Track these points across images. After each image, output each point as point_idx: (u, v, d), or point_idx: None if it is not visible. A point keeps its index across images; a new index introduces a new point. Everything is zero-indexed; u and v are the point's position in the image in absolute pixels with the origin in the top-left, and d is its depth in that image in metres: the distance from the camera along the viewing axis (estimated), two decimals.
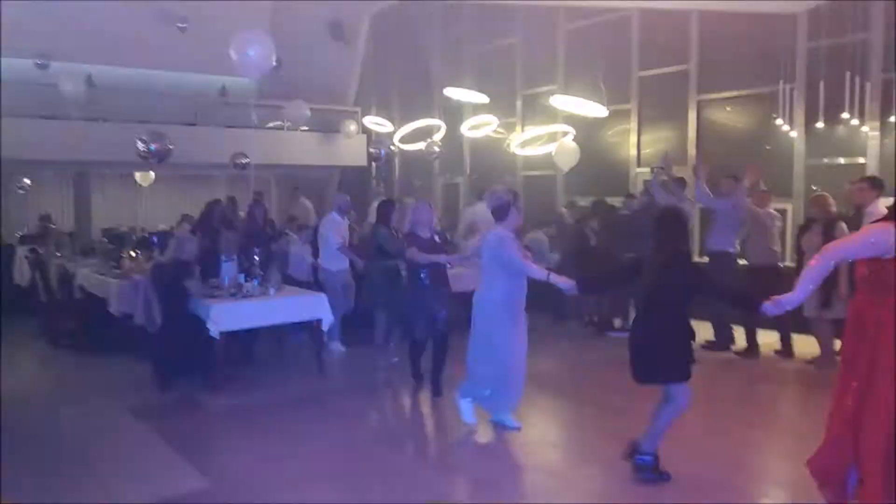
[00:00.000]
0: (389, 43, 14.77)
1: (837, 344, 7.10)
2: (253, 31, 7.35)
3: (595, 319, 8.92)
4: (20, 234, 11.93)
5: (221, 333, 6.07)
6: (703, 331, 7.84)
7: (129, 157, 10.61)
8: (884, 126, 7.99)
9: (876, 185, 6.57)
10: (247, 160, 12.02)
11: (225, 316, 6.11)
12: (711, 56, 9.69)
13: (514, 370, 5.01)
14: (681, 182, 8.13)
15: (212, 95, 14.21)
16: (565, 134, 10.70)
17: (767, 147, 8.96)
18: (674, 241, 4.09)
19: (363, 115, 14.66)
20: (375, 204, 10.42)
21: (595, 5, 10.79)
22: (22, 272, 9.65)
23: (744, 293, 4.71)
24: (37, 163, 12.28)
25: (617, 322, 8.77)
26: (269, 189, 15.89)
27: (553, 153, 10.62)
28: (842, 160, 8.43)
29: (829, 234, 6.69)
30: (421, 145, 12.95)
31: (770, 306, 3.60)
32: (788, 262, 8.08)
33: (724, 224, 7.54)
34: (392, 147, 13.82)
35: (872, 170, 7.89)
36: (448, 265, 6.16)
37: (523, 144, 11.39)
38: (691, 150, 9.85)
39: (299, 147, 14.06)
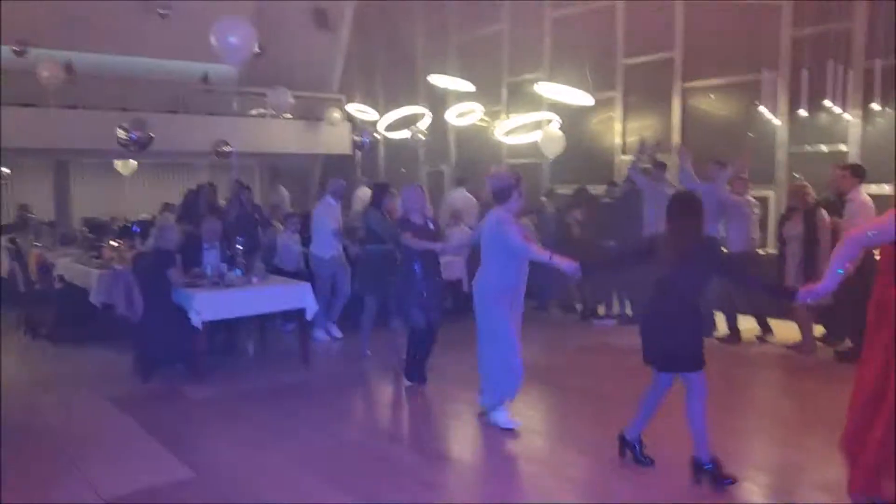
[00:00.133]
0: (374, 30, 14.66)
1: (818, 330, 7.19)
2: (234, 17, 7.27)
3: (577, 307, 8.94)
4: None
5: (204, 323, 6.03)
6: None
7: (110, 145, 10.50)
8: (865, 114, 8.03)
9: (857, 173, 6.61)
10: (229, 148, 11.91)
11: (207, 305, 6.06)
12: (696, 44, 9.70)
13: (512, 358, 4.85)
14: (661, 166, 8.16)
15: (194, 83, 14.06)
16: (550, 122, 10.69)
17: (751, 134, 9.00)
18: (696, 227, 3.97)
19: (347, 103, 14.56)
20: (358, 192, 10.40)
21: None
22: (1, 262, 9.54)
23: (776, 282, 4.71)
24: (15, 151, 12.10)
25: (601, 309, 8.81)
26: (253, 177, 15.79)
27: (538, 141, 10.61)
28: (824, 148, 8.47)
29: (809, 223, 6.75)
30: (406, 133, 12.90)
31: (804, 293, 3.67)
32: (770, 249, 8.14)
33: (707, 209, 7.55)
34: (376, 135, 13.74)
35: (854, 157, 7.94)
36: (441, 253, 5.98)
37: (508, 132, 11.35)
38: (675, 138, 9.86)
39: (283, 135, 13.97)
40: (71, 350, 7.36)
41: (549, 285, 8.66)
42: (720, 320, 7.54)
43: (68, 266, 8.00)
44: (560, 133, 10.51)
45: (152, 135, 10.23)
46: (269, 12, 13.04)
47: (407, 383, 5.95)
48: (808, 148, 8.61)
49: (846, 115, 8.08)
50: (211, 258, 6.82)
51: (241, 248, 6.89)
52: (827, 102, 7.98)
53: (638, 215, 8.03)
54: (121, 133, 10.15)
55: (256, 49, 7.44)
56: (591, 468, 4.40)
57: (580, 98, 9.85)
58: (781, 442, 4.74)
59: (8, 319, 8.57)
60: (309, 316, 6.66)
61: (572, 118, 10.74)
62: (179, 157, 14.45)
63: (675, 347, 3.95)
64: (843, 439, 3.56)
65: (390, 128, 13.10)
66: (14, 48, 12.43)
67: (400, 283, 5.82)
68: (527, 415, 5.22)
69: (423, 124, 12.81)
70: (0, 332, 8.06)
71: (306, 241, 7.96)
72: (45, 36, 12.31)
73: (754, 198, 7.77)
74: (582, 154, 10.90)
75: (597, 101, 10.24)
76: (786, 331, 7.35)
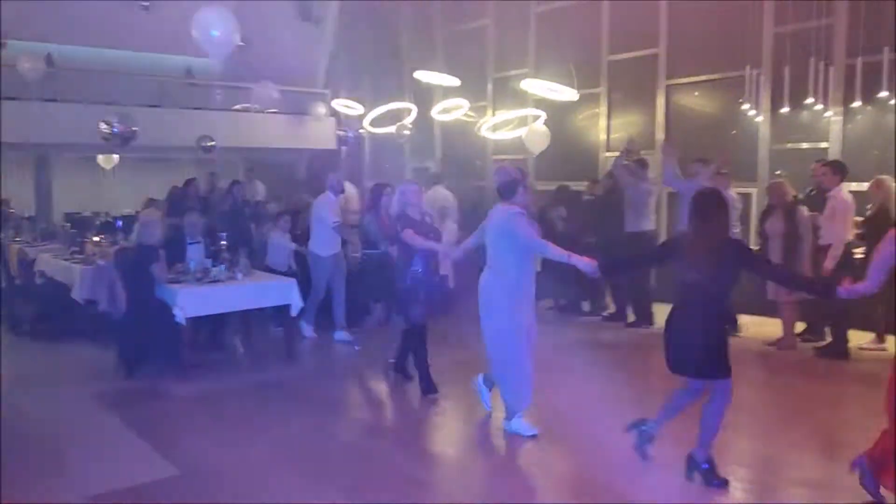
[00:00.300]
0: (359, 24, 14.59)
1: (799, 326, 7.27)
2: (215, 9, 7.19)
3: (562, 303, 8.98)
4: None
5: (188, 319, 5.99)
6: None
7: (92, 139, 10.37)
8: (847, 111, 8.11)
9: (839, 170, 6.69)
10: (213, 143, 11.82)
11: (191, 301, 6.03)
12: (680, 41, 9.74)
13: (523, 363, 4.69)
14: (643, 164, 8.23)
15: (177, 76, 13.93)
16: (536, 118, 10.71)
17: (733, 131, 9.06)
18: (722, 226, 3.87)
19: (333, 98, 14.49)
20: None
21: None
22: None
23: (815, 279, 4.65)
24: None
25: (585, 306, 8.86)
26: (237, 172, 15.66)
27: (523, 137, 10.63)
28: (805, 144, 8.55)
29: (790, 220, 6.82)
30: (391, 129, 12.86)
31: (845, 291, 3.65)
32: (752, 245, 8.19)
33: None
34: (361, 130, 13.69)
35: (835, 154, 8.03)
36: (446, 256, 5.67)
37: (494, 128, 11.36)
38: (660, 134, 9.91)
39: (267, 130, 13.87)
40: (53, 346, 7.29)
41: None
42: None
43: (50, 261, 7.93)
44: (545, 129, 10.52)
45: (135, 129, 10.12)
46: (253, 6, 12.92)
47: (432, 396, 5.65)
48: (789, 145, 8.69)
49: (828, 112, 8.16)
50: (195, 253, 6.78)
51: (224, 243, 6.85)
52: (809, 99, 8.06)
53: (619, 212, 8.10)
54: (103, 127, 10.03)
55: (239, 42, 7.36)
56: (577, 462, 4.42)
57: (565, 94, 9.87)
58: (762, 438, 4.79)
59: None
60: (294, 312, 6.63)
61: (557, 114, 10.76)
62: (162, 152, 14.31)
63: (704, 354, 3.81)
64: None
65: (376, 123, 13.06)
66: None
67: (399, 281, 5.65)
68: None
69: (409, 120, 12.79)
70: None
71: (294, 239, 7.91)
72: (24, 28, 12.15)
73: (737, 194, 7.83)
74: (567, 150, 10.94)
75: (581, 98, 10.28)
76: (763, 328, 7.42)
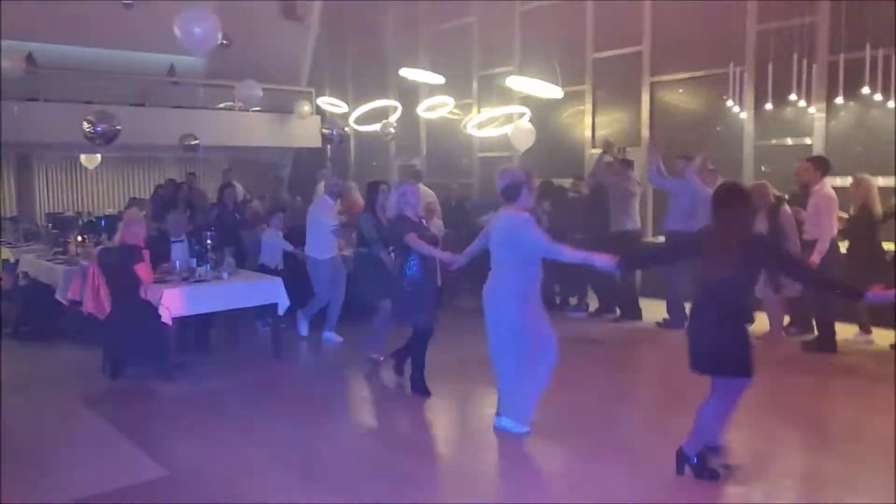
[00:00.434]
0: (344, 22, 14.55)
1: (784, 320, 7.33)
2: (197, 7, 7.15)
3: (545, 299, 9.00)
4: None
5: (174, 319, 5.94)
6: (657, 309, 8.02)
7: (74, 138, 10.27)
8: (830, 107, 8.19)
9: (821, 166, 6.74)
10: (196, 142, 11.74)
11: (177, 301, 5.97)
12: (664, 38, 9.79)
13: (524, 368, 4.56)
14: (627, 163, 8.29)
15: (160, 75, 13.81)
16: (521, 115, 10.72)
17: (718, 129, 9.11)
18: (747, 221, 3.76)
19: (317, 96, 14.44)
20: (321, 184, 10.14)
21: None
22: None
23: (843, 281, 4.47)
24: None
25: (573, 301, 8.89)
26: (219, 171, 15.57)
27: (509, 134, 10.64)
28: (789, 141, 8.62)
29: (773, 219, 6.87)
30: (377, 127, 12.83)
31: (872, 296, 3.60)
32: None
33: (678, 204, 7.67)
34: (346, 128, 13.65)
35: (819, 150, 8.09)
36: (449, 264, 5.39)
37: (479, 126, 11.37)
38: (644, 132, 9.96)
39: (251, 128, 13.80)
40: (37, 348, 7.21)
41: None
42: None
43: (32, 262, 7.84)
44: (531, 126, 10.54)
45: (119, 128, 10.02)
46: (237, 4, 12.85)
47: (427, 398, 5.55)
48: (773, 141, 8.76)
49: (811, 109, 8.23)
50: (179, 252, 6.72)
51: (210, 242, 6.79)
52: (792, 96, 8.13)
53: (605, 211, 8.15)
54: (86, 126, 9.92)
55: (222, 40, 7.31)
56: (567, 457, 4.43)
57: (550, 92, 9.89)
58: (750, 431, 4.82)
59: None
60: (280, 311, 6.59)
61: (543, 111, 10.78)
62: (145, 151, 14.20)
63: (712, 351, 3.72)
64: None
65: (361, 121, 13.03)
66: None
67: (398, 285, 5.53)
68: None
69: (394, 118, 12.77)
70: None
71: (286, 238, 7.83)
72: (4, 26, 12.00)
73: None
74: (552, 147, 10.96)
75: (566, 95, 10.30)
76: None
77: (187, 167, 13.46)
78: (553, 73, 10.22)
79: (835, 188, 6.76)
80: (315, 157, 14.62)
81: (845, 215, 6.90)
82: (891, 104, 7.57)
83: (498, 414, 4.78)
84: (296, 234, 7.86)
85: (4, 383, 6.07)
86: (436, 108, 11.87)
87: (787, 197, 7.26)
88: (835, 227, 6.62)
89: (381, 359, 6.19)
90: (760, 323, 7.24)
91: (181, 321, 6.13)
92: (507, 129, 10.73)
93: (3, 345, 7.49)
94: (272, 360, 6.63)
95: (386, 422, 5.39)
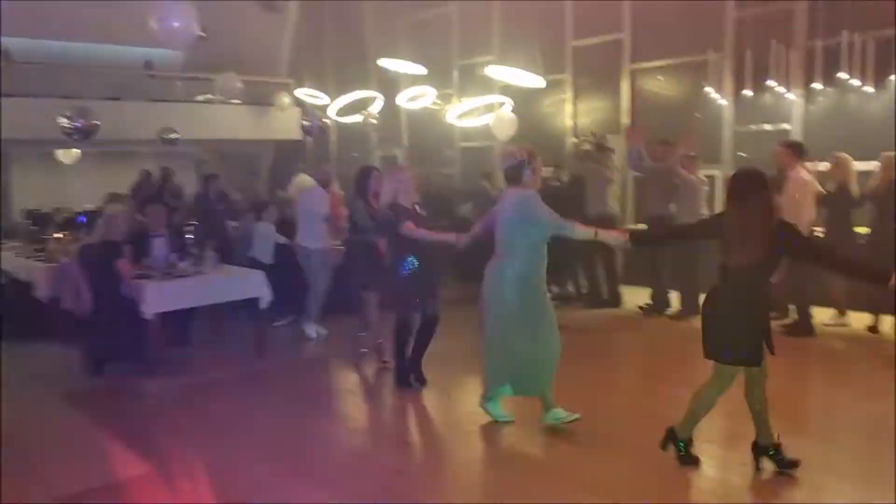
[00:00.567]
0: (322, 12, 14.43)
1: None
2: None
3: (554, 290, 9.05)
4: None
5: (155, 314, 5.90)
6: (640, 295, 8.07)
7: (51, 134, 10.14)
8: (808, 92, 8.25)
9: (797, 150, 6.79)
10: (175, 135, 11.63)
11: (158, 296, 5.93)
12: (644, 25, 9.80)
13: (530, 357, 4.51)
14: (606, 151, 8.34)
15: (137, 68, 13.65)
16: (502, 104, 10.70)
17: (698, 115, 9.16)
18: (767, 207, 3.64)
19: (297, 88, 14.32)
20: (296, 178, 10.04)
21: None
22: None
23: (870, 266, 4.43)
24: None
25: (554, 289, 8.92)
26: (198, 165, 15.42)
27: (490, 124, 10.62)
28: (768, 126, 8.68)
29: None
30: (358, 117, 12.76)
31: None
32: None
33: (658, 189, 7.72)
34: (326, 120, 13.56)
35: (797, 135, 8.16)
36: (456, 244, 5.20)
37: (461, 115, 11.34)
38: (625, 119, 9.99)
39: (231, 121, 13.68)
40: (16, 346, 7.12)
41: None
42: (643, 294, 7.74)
43: (11, 260, 7.76)
44: (512, 115, 10.53)
45: (97, 123, 9.90)
46: None
47: (418, 387, 5.50)
48: (753, 127, 8.81)
49: (789, 94, 8.29)
50: (160, 247, 6.67)
51: (191, 236, 6.74)
52: (770, 82, 8.18)
53: (583, 197, 8.20)
54: (63, 121, 9.79)
55: (200, 32, 7.21)
56: (553, 446, 4.45)
57: (531, 80, 9.88)
58: (734, 417, 4.86)
59: None
60: (263, 305, 6.56)
61: (524, 100, 10.77)
62: (124, 146, 14.03)
63: (739, 340, 3.68)
64: None
65: (342, 112, 12.94)
66: None
67: (391, 272, 5.43)
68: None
69: (375, 108, 12.70)
70: None
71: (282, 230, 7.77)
72: None
73: (704, 176, 7.93)
74: (534, 136, 10.93)
75: (547, 84, 10.29)
76: None
77: (166, 161, 13.30)
78: (535, 62, 10.21)
79: (812, 172, 6.82)
80: (295, 149, 14.52)
81: (824, 191, 6.88)
82: (868, 89, 7.64)
83: (483, 396, 4.74)
84: (279, 227, 7.81)
85: None
86: (417, 98, 11.82)
87: None
88: (812, 212, 6.66)
89: (368, 351, 6.19)
90: None
91: (163, 316, 6.09)
92: (488, 119, 10.72)
93: None
94: (256, 354, 6.59)
95: (376, 416, 5.39)
